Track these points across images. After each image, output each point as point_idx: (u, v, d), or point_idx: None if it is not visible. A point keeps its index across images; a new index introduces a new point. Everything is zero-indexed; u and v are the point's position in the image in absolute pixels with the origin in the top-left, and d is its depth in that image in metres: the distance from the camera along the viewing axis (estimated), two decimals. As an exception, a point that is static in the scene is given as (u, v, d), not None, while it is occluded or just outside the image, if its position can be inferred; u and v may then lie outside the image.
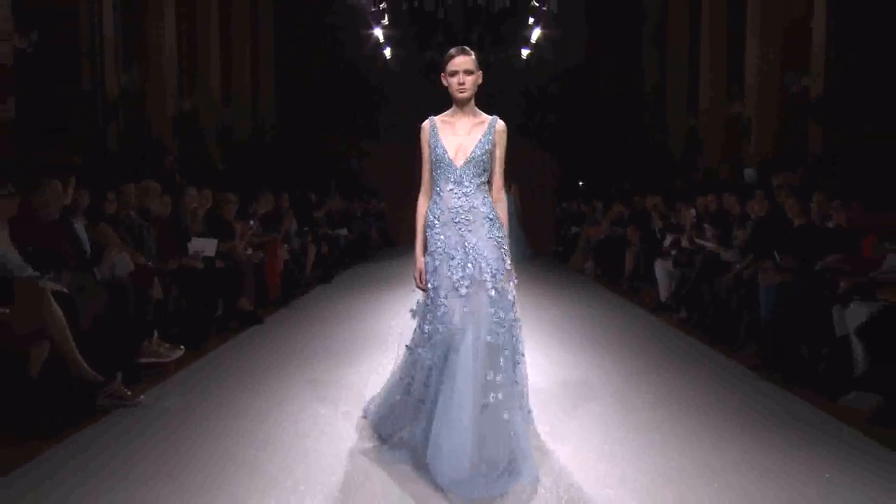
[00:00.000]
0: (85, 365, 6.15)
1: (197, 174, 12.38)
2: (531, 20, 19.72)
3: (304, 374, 7.52)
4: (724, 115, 16.20)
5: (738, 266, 9.12)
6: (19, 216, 6.60)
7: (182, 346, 8.03)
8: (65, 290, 6.28)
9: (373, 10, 18.56)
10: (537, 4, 18.52)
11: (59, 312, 6.00)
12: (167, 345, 7.88)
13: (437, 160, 5.04)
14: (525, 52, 21.56)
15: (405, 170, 26.24)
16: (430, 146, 5.08)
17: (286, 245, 12.77)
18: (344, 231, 17.68)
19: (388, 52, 21.82)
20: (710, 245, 10.29)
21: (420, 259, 5.11)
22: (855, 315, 6.63)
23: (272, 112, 21.39)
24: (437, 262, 5.00)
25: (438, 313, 4.92)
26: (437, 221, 5.05)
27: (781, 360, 7.63)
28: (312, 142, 23.02)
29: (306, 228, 14.86)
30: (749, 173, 12.29)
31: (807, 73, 12.65)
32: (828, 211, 8.12)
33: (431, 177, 5.12)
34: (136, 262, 7.77)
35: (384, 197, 23.99)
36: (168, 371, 7.46)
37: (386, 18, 19.27)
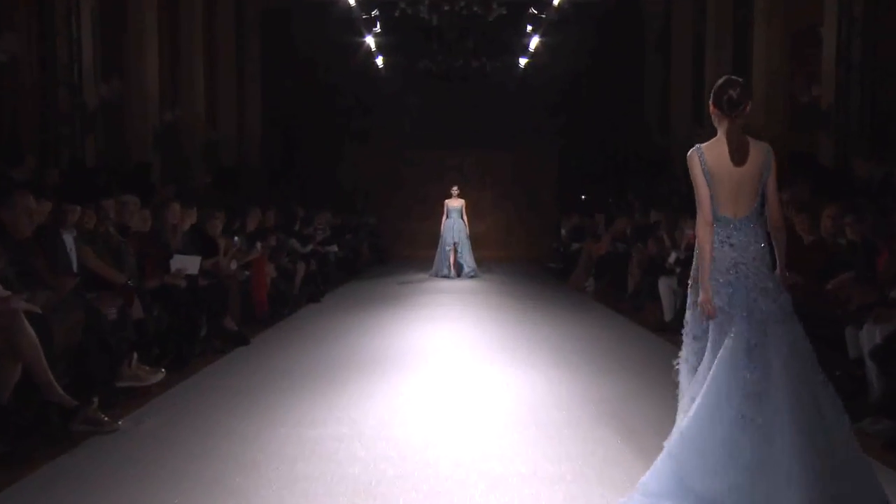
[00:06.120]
0: (59, 388, 6.12)
1: (181, 190, 12.30)
2: (529, 28, 19.75)
3: (292, 396, 7.51)
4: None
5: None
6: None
7: (163, 369, 7.98)
8: (38, 310, 6.23)
9: (364, 17, 18.58)
10: (535, 12, 18.50)
11: (32, 333, 5.96)
12: (147, 367, 7.80)
13: None
14: (523, 61, 21.67)
15: (395, 178, 26.11)
16: None
17: (273, 262, 12.73)
18: (334, 248, 17.63)
19: (380, 60, 21.89)
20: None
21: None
22: (868, 336, 6.60)
23: (258, 123, 21.35)
24: None
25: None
26: None
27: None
28: (298, 152, 23.08)
29: (295, 245, 14.84)
30: None
31: (817, 82, 12.57)
32: (840, 226, 8.07)
33: None
34: (114, 281, 7.72)
35: (375, 210, 24.07)
36: (148, 395, 7.42)
37: (378, 26, 19.30)
